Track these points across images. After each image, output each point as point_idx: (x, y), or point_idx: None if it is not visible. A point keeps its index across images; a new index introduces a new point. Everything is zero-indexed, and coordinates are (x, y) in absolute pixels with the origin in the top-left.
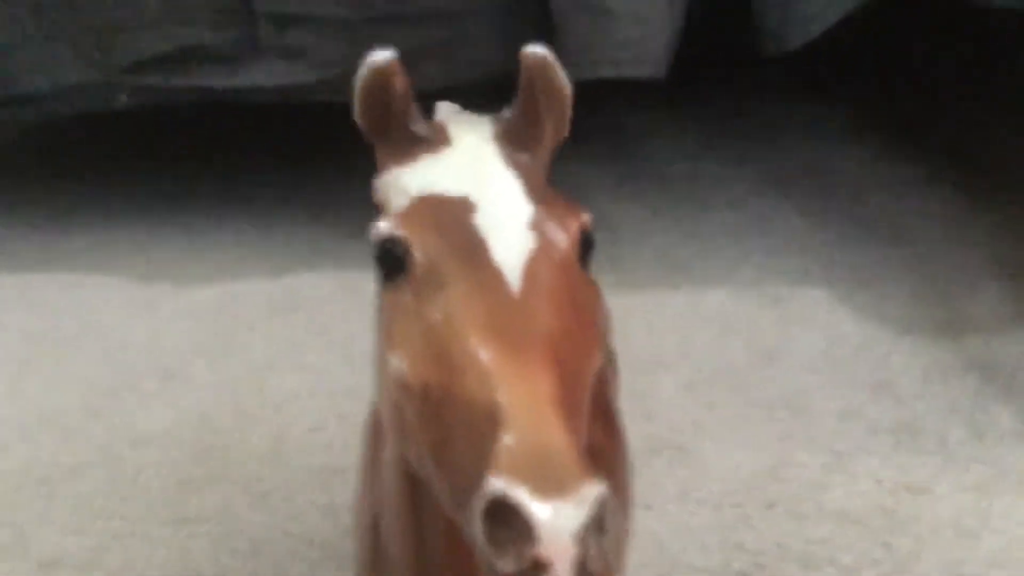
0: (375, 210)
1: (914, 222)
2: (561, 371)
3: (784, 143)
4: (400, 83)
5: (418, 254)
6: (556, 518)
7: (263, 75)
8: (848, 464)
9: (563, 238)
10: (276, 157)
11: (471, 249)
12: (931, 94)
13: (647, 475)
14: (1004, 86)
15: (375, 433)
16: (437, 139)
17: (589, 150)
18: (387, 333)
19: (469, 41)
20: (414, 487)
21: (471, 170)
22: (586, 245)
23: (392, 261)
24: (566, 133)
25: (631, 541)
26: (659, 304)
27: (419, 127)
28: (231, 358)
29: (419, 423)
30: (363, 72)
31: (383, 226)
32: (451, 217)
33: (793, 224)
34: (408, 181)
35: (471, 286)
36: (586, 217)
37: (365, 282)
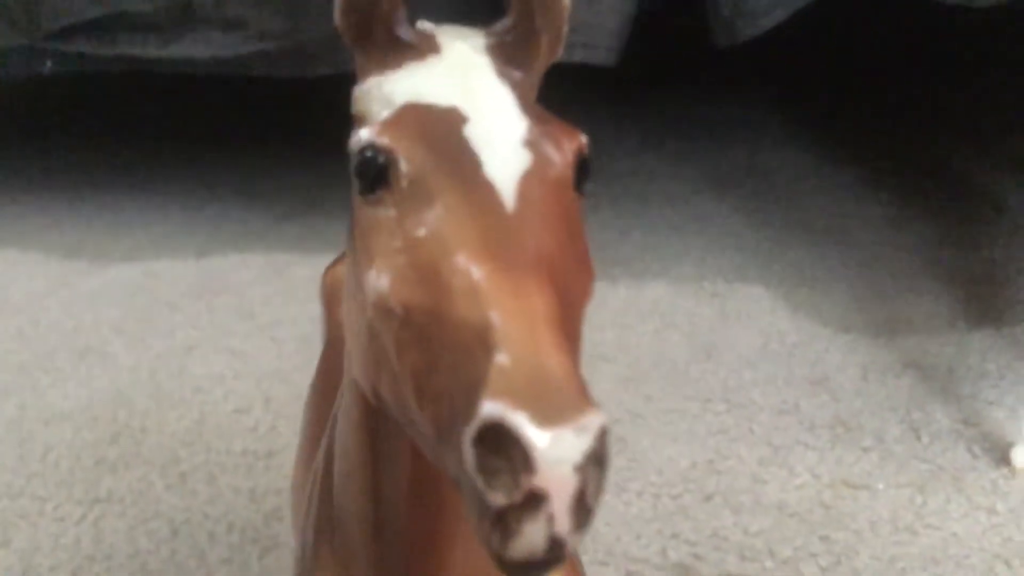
0: (351, 123)
1: (852, 224)
2: (557, 292)
3: (725, 143)
4: None
5: (404, 165)
6: (556, 446)
7: (198, 46)
8: (786, 458)
9: (559, 158)
10: (206, 133)
11: (462, 162)
12: (872, 98)
13: None
14: (946, 91)
15: (321, 386)
16: (425, 46)
17: None
18: (364, 251)
19: (415, 16)
20: (376, 431)
21: (462, 80)
22: (582, 169)
23: (373, 173)
24: (560, 51)
25: None
26: (598, 297)
27: (405, 32)
28: (151, 338)
29: (399, 349)
30: None
31: (365, 134)
32: (440, 128)
33: (732, 222)
34: (392, 89)
35: (461, 201)
36: (583, 139)
37: (294, 266)
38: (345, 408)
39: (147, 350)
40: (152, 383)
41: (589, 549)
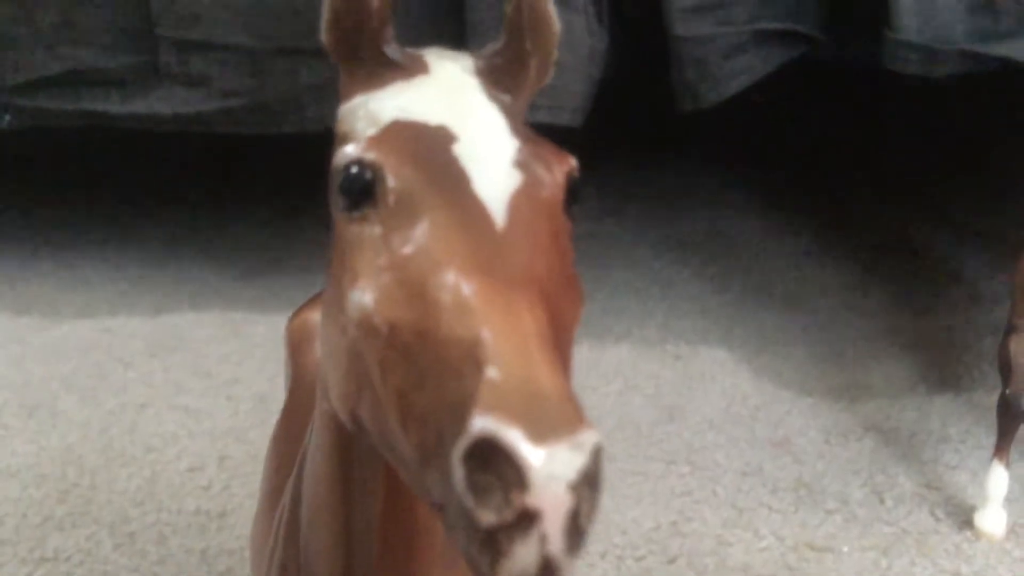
0: (335, 142)
1: (812, 289)
2: (548, 311)
3: (686, 209)
4: None
5: (391, 181)
6: (551, 463)
7: (161, 102)
8: (750, 520)
9: (549, 180)
10: (165, 191)
11: (451, 180)
12: (832, 166)
13: None
14: (905, 160)
15: (283, 435)
16: (413, 66)
17: None
18: (347, 270)
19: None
20: (347, 462)
21: (451, 99)
22: (573, 191)
23: (359, 188)
24: (549, 77)
25: None
26: None
27: (393, 51)
28: (103, 395)
29: (383, 368)
30: None
31: (351, 149)
32: (429, 145)
33: (694, 287)
34: (379, 107)
35: (450, 218)
36: (573, 162)
37: (252, 324)
38: (316, 440)
39: (99, 407)
40: (103, 440)
41: None
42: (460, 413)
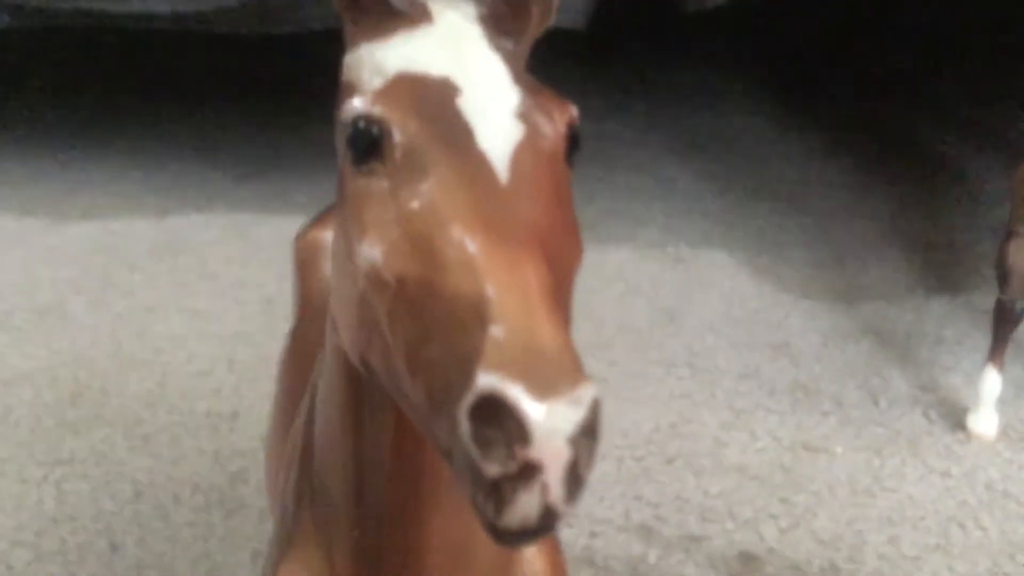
0: (340, 90)
1: (814, 192)
2: (549, 265)
3: (691, 109)
4: None
5: (398, 136)
6: (551, 418)
7: (159, 1)
8: (747, 422)
9: (551, 130)
10: (167, 93)
11: (455, 134)
12: (837, 67)
13: None
14: (910, 61)
15: (295, 356)
16: (417, 14)
17: None
18: (356, 222)
19: None
20: (359, 398)
21: (454, 50)
22: (573, 141)
23: (366, 143)
24: (552, 21)
25: None
26: None
27: (397, 0)
28: (110, 298)
29: (391, 320)
30: None
31: (358, 104)
32: (433, 99)
33: (696, 188)
34: (384, 58)
35: (455, 173)
36: (574, 111)
37: (257, 226)
38: (327, 377)
39: (107, 310)
40: (113, 343)
41: None
42: (466, 368)
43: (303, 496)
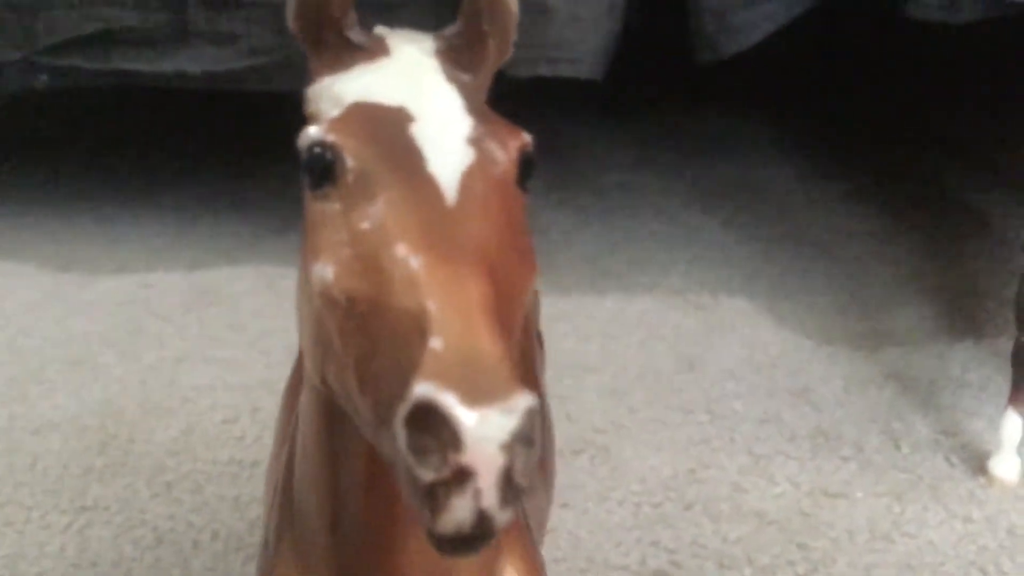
0: (305, 122)
1: (837, 238)
2: (494, 282)
3: (714, 158)
4: None
5: (349, 161)
6: (483, 425)
7: (190, 61)
8: (766, 468)
9: (503, 156)
10: (200, 147)
11: (406, 158)
12: (861, 113)
13: (568, 474)
14: (934, 107)
15: (293, 386)
16: (375, 49)
17: None
18: (312, 244)
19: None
20: (331, 420)
21: (410, 81)
22: (526, 166)
23: (321, 168)
24: (509, 54)
25: (548, 524)
26: (586, 308)
27: (356, 35)
28: (141, 349)
29: (342, 337)
30: None
31: (313, 131)
32: (386, 126)
33: (720, 235)
34: (342, 89)
35: (404, 195)
36: (527, 138)
37: (284, 278)
38: (304, 406)
39: (137, 360)
40: (141, 393)
41: (570, 556)
42: (405, 379)
43: (284, 524)
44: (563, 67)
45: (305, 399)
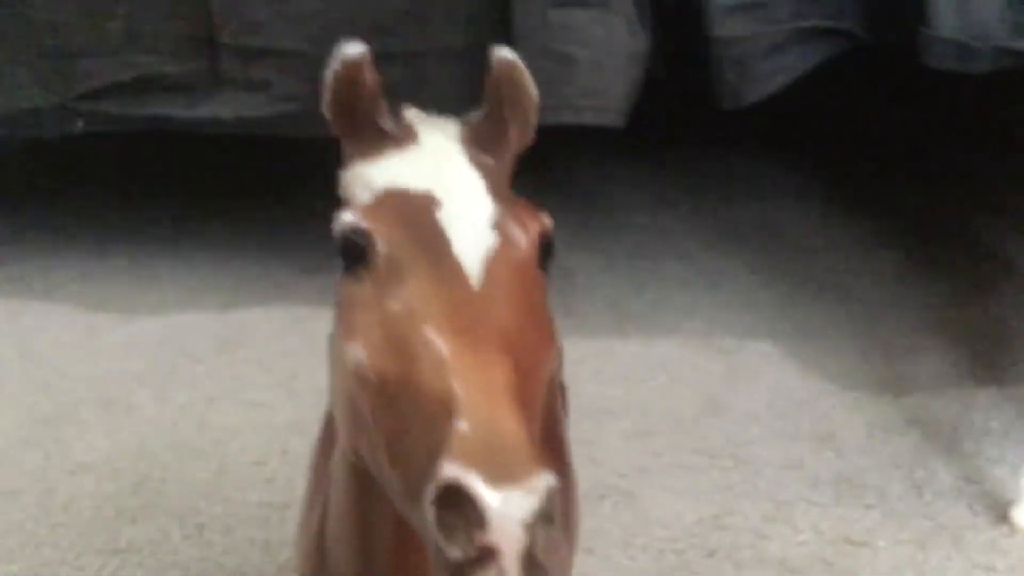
0: (339, 204)
1: (861, 282)
2: (516, 364)
3: (737, 200)
4: (370, 77)
5: (381, 246)
6: (506, 505)
7: (223, 107)
8: (789, 515)
9: (524, 239)
10: (232, 191)
11: (433, 243)
12: (883, 157)
13: (591, 520)
14: (957, 150)
15: (326, 439)
16: (404, 136)
17: (546, 199)
18: (346, 324)
19: (429, 82)
20: (363, 486)
21: (436, 167)
22: (545, 249)
23: (355, 252)
24: (531, 139)
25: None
26: (608, 352)
27: (387, 123)
28: (174, 390)
29: (374, 414)
30: (334, 64)
31: (348, 218)
32: (415, 211)
33: (742, 280)
34: (373, 175)
35: (432, 279)
36: (547, 221)
37: (315, 319)
38: (335, 466)
39: (169, 402)
40: (174, 435)
41: None
42: (434, 459)
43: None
44: (587, 115)
45: (338, 463)
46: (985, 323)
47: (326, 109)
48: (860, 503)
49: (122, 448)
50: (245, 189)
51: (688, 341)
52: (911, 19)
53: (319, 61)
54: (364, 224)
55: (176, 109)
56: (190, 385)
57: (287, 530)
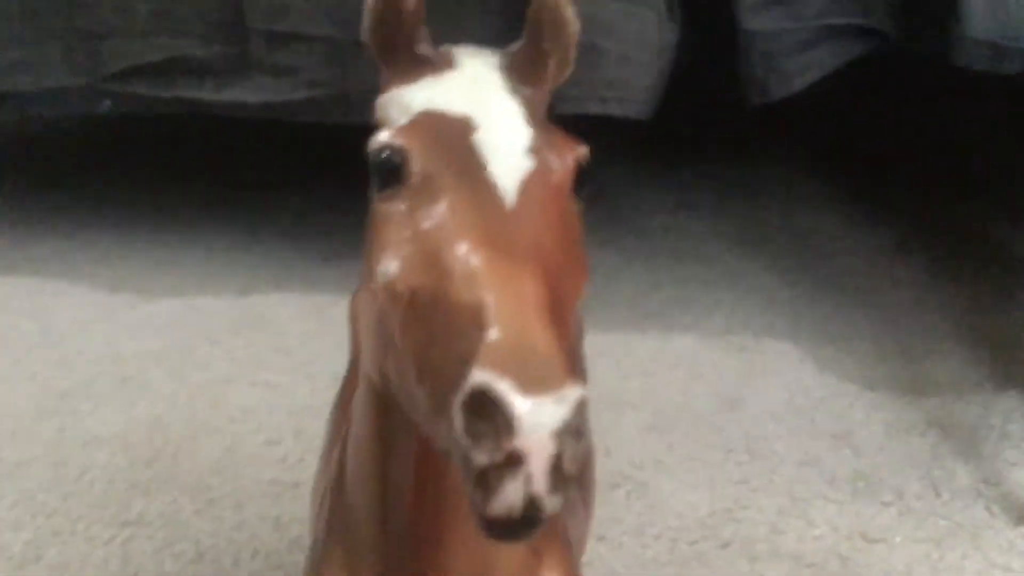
0: (373, 128)
1: (882, 286)
2: (549, 281)
3: (760, 203)
4: (411, 1)
5: (415, 164)
6: (536, 412)
7: (250, 91)
8: (805, 510)
9: (559, 165)
10: (254, 176)
11: (468, 164)
12: (908, 161)
13: (605, 508)
14: (982, 156)
15: (346, 389)
16: (442, 63)
17: None
18: (378, 241)
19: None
20: (385, 418)
21: (474, 92)
22: (580, 177)
23: (388, 170)
24: (570, 70)
25: (584, 558)
26: (627, 346)
27: (426, 49)
28: (189, 370)
29: (403, 329)
30: None
31: (383, 136)
32: (451, 133)
33: (763, 279)
34: (410, 98)
35: (466, 197)
36: (583, 150)
37: (332, 305)
38: (357, 402)
39: (185, 381)
40: (188, 412)
41: None
42: (463, 368)
43: (334, 526)
44: (612, 106)
45: (360, 396)
46: (1006, 329)
47: (365, 33)
48: (877, 501)
49: (136, 423)
50: (269, 176)
51: (707, 338)
52: (942, 19)
53: (344, 46)
54: (399, 142)
55: (203, 92)
56: (206, 365)
57: (298, 507)
